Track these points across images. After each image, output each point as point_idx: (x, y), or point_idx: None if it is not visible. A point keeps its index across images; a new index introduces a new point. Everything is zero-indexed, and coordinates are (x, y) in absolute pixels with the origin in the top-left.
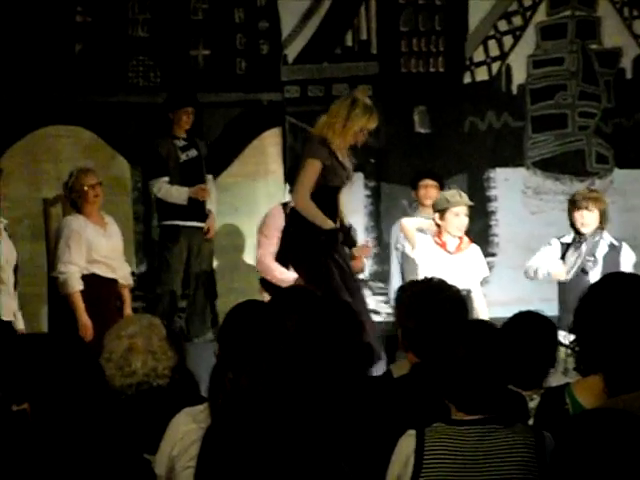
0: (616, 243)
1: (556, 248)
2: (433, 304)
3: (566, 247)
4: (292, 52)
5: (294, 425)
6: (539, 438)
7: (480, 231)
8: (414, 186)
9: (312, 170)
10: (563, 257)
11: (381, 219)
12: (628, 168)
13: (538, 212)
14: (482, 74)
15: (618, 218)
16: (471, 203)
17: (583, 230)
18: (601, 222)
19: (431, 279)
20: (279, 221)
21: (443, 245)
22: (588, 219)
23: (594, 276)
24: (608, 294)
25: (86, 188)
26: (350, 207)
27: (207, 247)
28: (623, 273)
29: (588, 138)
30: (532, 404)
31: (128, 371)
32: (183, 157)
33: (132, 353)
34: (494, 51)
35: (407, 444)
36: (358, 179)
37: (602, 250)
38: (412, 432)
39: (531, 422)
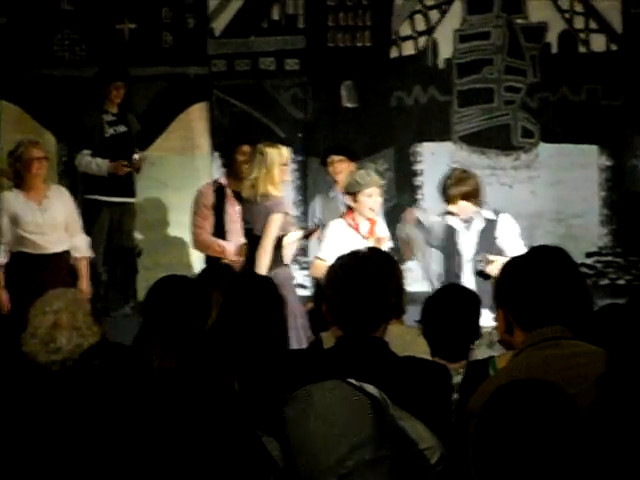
0: (492, 217)
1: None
2: (357, 278)
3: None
4: (219, 25)
5: (214, 396)
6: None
7: (407, 205)
8: (323, 162)
9: None
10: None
11: (308, 193)
12: (553, 142)
13: None
14: (409, 48)
15: (543, 192)
16: (382, 182)
17: (463, 216)
18: (474, 200)
19: (357, 252)
20: (209, 198)
21: (356, 228)
22: (467, 210)
23: (467, 252)
24: (530, 268)
25: (32, 160)
26: None
27: (129, 222)
28: (547, 246)
29: (514, 112)
30: (457, 379)
31: (53, 347)
32: (110, 131)
33: (57, 329)
34: (420, 25)
35: None
36: None
37: (477, 226)
38: None
39: (456, 396)
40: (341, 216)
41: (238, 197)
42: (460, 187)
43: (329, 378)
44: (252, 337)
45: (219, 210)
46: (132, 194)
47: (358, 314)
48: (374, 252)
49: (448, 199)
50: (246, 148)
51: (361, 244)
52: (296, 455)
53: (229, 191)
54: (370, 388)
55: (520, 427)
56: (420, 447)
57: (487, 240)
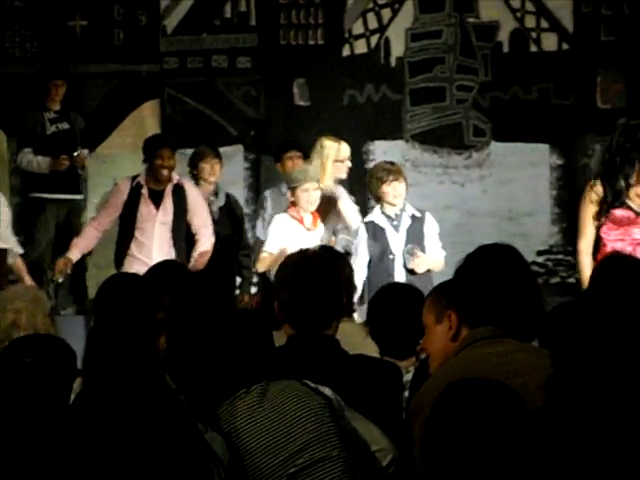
0: (418, 214)
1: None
2: (308, 276)
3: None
4: (171, 23)
5: (166, 393)
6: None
7: (359, 204)
8: (278, 158)
9: None
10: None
11: (261, 191)
12: (505, 141)
13: (416, 185)
14: (361, 47)
15: (494, 190)
16: (317, 178)
17: (396, 202)
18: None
19: (306, 251)
20: (123, 194)
21: (300, 220)
22: (400, 190)
23: (397, 251)
24: (483, 267)
25: None
26: (230, 179)
27: (76, 220)
28: (498, 244)
29: (466, 111)
30: (407, 377)
31: None
32: (52, 129)
33: (15, 328)
34: (373, 24)
35: None
36: (238, 151)
37: (404, 224)
38: None
39: (406, 394)
40: (285, 210)
41: (155, 195)
42: (392, 171)
43: (281, 376)
44: (202, 334)
45: (131, 208)
46: (78, 191)
47: (309, 312)
48: (325, 250)
49: (383, 183)
50: (166, 153)
51: (305, 236)
52: (244, 452)
53: (145, 190)
54: (325, 390)
55: (470, 426)
56: (372, 449)
57: (415, 237)
